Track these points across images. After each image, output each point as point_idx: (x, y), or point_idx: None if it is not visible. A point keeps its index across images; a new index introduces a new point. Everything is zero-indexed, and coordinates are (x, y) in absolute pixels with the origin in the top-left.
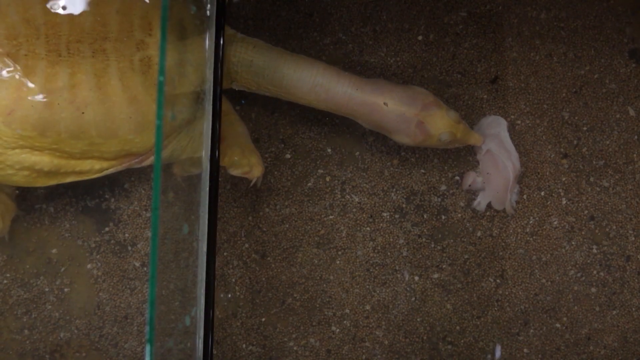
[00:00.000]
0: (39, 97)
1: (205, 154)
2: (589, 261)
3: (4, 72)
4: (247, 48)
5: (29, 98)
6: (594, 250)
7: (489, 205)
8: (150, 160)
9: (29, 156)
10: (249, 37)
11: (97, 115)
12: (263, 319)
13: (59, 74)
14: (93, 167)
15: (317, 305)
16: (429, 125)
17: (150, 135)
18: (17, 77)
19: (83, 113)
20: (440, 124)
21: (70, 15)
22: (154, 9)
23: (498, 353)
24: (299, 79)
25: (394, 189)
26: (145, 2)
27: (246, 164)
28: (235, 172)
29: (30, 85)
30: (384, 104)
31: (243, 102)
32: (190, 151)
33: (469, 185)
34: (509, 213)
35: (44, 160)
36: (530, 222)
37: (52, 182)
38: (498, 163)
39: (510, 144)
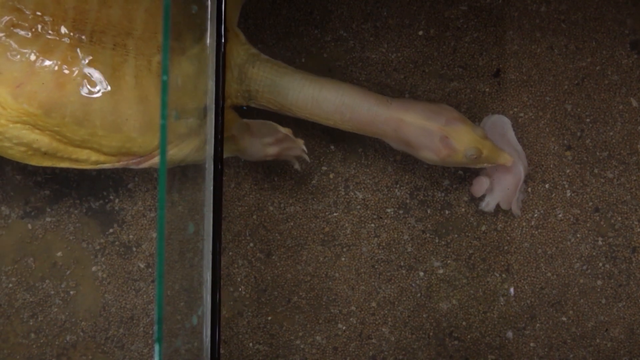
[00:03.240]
0: (52, 77)
1: (209, 152)
2: (594, 253)
3: (22, 45)
4: (271, 69)
5: (42, 75)
6: (599, 243)
7: (498, 207)
8: (148, 163)
9: (29, 133)
10: (272, 58)
11: (105, 107)
12: (269, 318)
13: (76, 58)
14: (90, 158)
15: (323, 303)
16: (454, 140)
17: (152, 137)
18: (34, 52)
19: (91, 101)
20: (466, 139)
21: (100, 5)
22: (184, 18)
23: (512, 291)
24: (324, 99)
25: (398, 185)
26: (176, 10)
27: (285, 129)
28: (284, 129)
29: (46, 63)
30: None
31: (244, 107)
32: (192, 159)
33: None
34: (515, 214)
35: (43, 140)
36: (535, 215)
37: (47, 163)
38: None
39: (517, 143)
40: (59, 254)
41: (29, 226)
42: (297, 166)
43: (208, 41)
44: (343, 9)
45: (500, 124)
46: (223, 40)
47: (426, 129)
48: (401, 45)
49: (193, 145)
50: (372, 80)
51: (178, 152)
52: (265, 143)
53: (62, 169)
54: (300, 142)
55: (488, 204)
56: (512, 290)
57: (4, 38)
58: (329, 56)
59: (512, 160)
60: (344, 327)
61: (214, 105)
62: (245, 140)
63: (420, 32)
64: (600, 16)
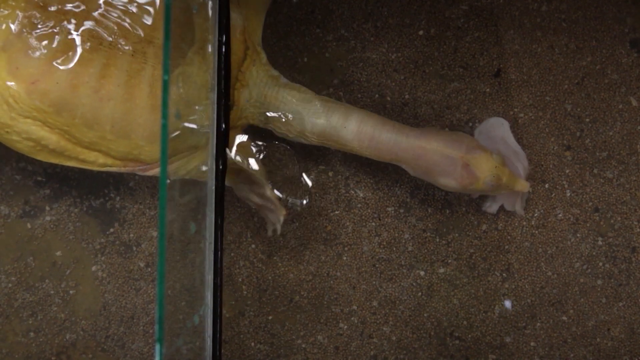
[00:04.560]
0: (66, 77)
1: (210, 151)
2: (594, 253)
3: (42, 43)
4: (290, 95)
5: (57, 74)
6: (599, 242)
7: (500, 207)
8: (153, 171)
9: (38, 129)
10: (292, 82)
11: (116, 112)
12: (270, 317)
13: (94, 60)
14: (97, 160)
15: (325, 303)
16: (475, 167)
17: (159, 147)
18: (52, 51)
19: (103, 105)
20: (486, 166)
21: (124, 10)
22: (203, 33)
23: (508, 305)
24: (343, 127)
25: (398, 184)
26: (204, 23)
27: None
28: (270, 194)
29: (63, 63)
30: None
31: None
32: (196, 175)
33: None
34: (519, 214)
35: (51, 138)
36: (535, 215)
37: (53, 160)
38: (508, 165)
39: (515, 144)
40: (59, 253)
41: (29, 225)
42: (269, 232)
43: (210, 41)
44: (344, 8)
45: (498, 125)
46: (224, 37)
47: (448, 157)
48: (402, 45)
49: (198, 161)
50: (373, 81)
51: (182, 165)
52: (253, 190)
53: (62, 168)
54: (282, 213)
55: (491, 206)
56: (508, 303)
57: (25, 34)
58: (330, 56)
59: (529, 186)
60: (345, 327)
61: (215, 100)
62: (240, 177)
63: (421, 32)
64: (600, 15)
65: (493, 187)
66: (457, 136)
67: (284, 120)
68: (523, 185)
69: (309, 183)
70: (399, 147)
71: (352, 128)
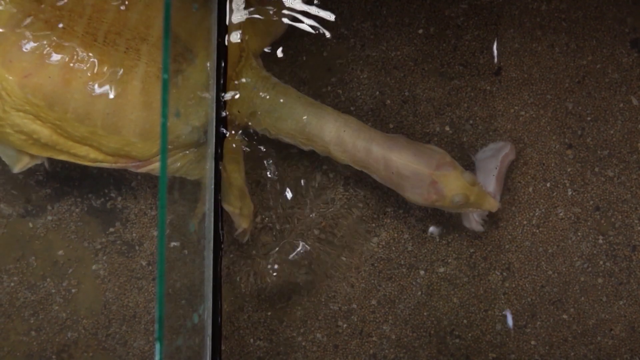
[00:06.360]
0: (59, 72)
1: (210, 151)
2: (595, 252)
3: (36, 37)
4: (276, 95)
5: (50, 69)
6: (600, 241)
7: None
8: (145, 169)
9: (30, 123)
10: (281, 82)
11: (108, 108)
12: (269, 313)
13: (87, 56)
14: (88, 155)
15: (323, 300)
16: (443, 185)
17: (151, 144)
18: (46, 45)
19: (95, 100)
20: (454, 185)
21: (119, 7)
22: (202, 33)
23: (510, 321)
24: (321, 129)
25: None
26: (203, 23)
27: (237, 207)
28: (225, 206)
29: (55, 57)
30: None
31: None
32: (185, 172)
33: None
34: (477, 230)
35: (43, 131)
36: (536, 213)
37: (45, 154)
38: (481, 184)
39: (492, 176)
40: (61, 252)
41: (30, 225)
42: (237, 233)
43: (210, 39)
44: (343, 7)
45: (503, 150)
46: (224, 39)
47: (417, 173)
48: (401, 43)
49: (187, 159)
50: (372, 78)
51: (172, 163)
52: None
53: (63, 167)
54: (243, 223)
55: (469, 223)
56: (509, 320)
57: (20, 28)
58: (329, 54)
59: (498, 206)
60: (344, 325)
61: (214, 93)
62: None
63: (420, 31)
64: (600, 15)
65: (460, 206)
66: (430, 151)
67: (267, 119)
68: (492, 205)
69: (289, 195)
70: (371, 156)
71: (330, 132)
